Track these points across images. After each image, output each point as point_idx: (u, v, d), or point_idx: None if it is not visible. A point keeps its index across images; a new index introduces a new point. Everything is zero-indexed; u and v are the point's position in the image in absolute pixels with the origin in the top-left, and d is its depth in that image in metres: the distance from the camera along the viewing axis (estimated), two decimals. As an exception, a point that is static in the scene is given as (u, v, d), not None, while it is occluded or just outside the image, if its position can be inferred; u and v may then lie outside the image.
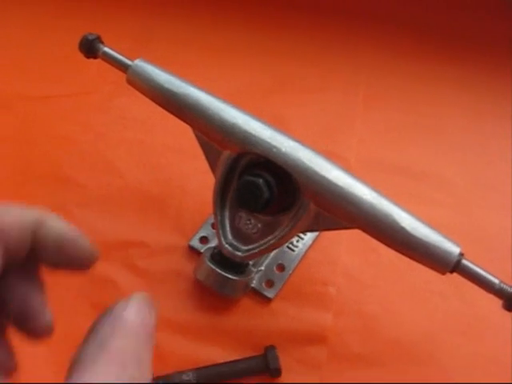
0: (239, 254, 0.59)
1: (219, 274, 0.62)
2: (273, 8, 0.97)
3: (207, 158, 0.59)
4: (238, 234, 0.60)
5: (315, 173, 0.53)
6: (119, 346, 0.29)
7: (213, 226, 0.70)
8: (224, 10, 0.97)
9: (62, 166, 0.77)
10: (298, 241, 0.69)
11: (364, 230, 0.53)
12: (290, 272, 0.67)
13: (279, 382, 0.61)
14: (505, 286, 0.49)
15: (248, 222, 0.59)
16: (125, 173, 0.76)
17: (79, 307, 0.66)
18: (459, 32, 0.93)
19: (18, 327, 0.34)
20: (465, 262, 0.50)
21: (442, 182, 0.77)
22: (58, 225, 0.34)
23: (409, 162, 0.79)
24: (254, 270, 0.66)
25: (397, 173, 0.77)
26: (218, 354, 0.62)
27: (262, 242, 0.58)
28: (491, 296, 0.50)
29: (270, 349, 0.61)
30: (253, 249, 0.59)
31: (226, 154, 0.57)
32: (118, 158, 0.78)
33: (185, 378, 0.60)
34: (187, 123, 0.59)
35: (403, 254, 0.52)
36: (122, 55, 0.62)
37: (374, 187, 0.53)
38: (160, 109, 0.60)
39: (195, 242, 0.70)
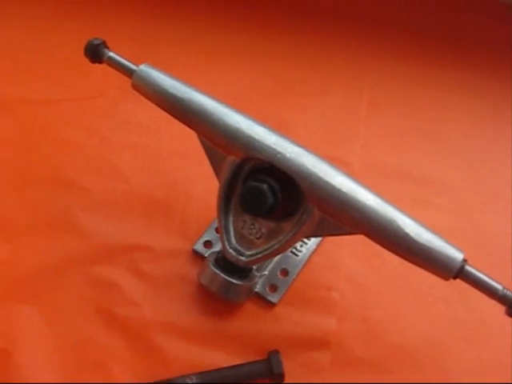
0: (243, 258, 0.60)
1: (223, 278, 0.62)
2: (275, 13, 0.97)
3: (212, 163, 0.60)
4: (241, 238, 0.60)
5: (319, 178, 0.53)
6: None
7: (217, 230, 0.70)
8: (226, 14, 0.97)
9: (67, 170, 0.77)
10: (301, 246, 0.69)
11: (368, 236, 0.53)
12: (294, 277, 0.68)
13: (282, 386, 0.61)
14: (508, 293, 0.49)
15: (252, 227, 0.59)
16: (130, 177, 0.77)
17: (83, 310, 0.66)
18: (461, 37, 0.93)
19: None
20: (468, 268, 0.50)
21: (443, 187, 0.77)
22: None
23: (411, 166, 0.79)
24: (258, 274, 0.66)
25: (399, 178, 0.78)
26: (221, 359, 0.62)
27: (265, 246, 0.59)
28: (494, 302, 0.50)
29: (273, 353, 0.61)
30: (256, 254, 0.59)
31: (231, 160, 0.57)
32: (123, 163, 0.78)
33: (188, 381, 0.60)
34: (192, 128, 0.59)
35: (407, 259, 0.52)
36: (127, 60, 0.62)
37: (378, 193, 0.53)
38: (165, 114, 0.60)
39: (199, 247, 0.70)
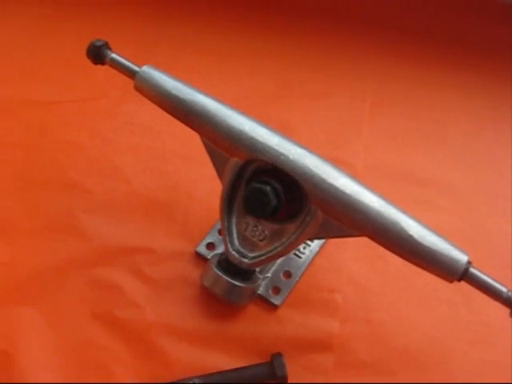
0: (246, 260, 0.59)
1: (226, 280, 0.62)
2: (277, 14, 0.97)
3: (214, 164, 0.59)
4: (244, 240, 0.60)
5: (323, 180, 0.53)
6: None
7: (220, 232, 0.70)
8: (227, 15, 0.97)
9: (69, 172, 0.77)
10: (304, 248, 0.69)
11: (371, 238, 0.53)
12: (297, 279, 0.67)
13: (286, 389, 0.61)
14: (512, 295, 0.49)
15: (255, 229, 0.59)
16: (132, 179, 0.76)
17: (84, 312, 0.66)
18: (462, 38, 0.93)
19: None
20: (472, 270, 0.50)
21: (445, 188, 0.77)
22: None
23: (413, 167, 0.79)
24: (261, 276, 0.66)
25: (402, 179, 0.77)
26: (224, 361, 0.62)
27: (268, 249, 0.58)
28: (498, 304, 0.50)
29: (276, 356, 0.61)
30: (260, 256, 0.59)
31: (234, 161, 0.57)
32: (125, 164, 0.78)
33: (190, 384, 0.60)
34: (194, 130, 0.59)
35: (411, 261, 0.52)
36: (130, 61, 0.62)
37: (381, 194, 0.53)
38: (167, 115, 0.60)
39: (202, 249, 0.70)
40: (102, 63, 0.64)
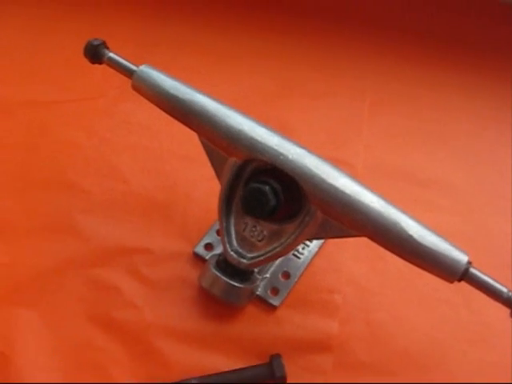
0: (244, 261, 0.59)
1: (224, 281, 0.61)
2: (277, 14, 0.97)
3: (213, 164, 0.59)
4: (243, 241, 0.59)
5: (322, 180, 0.52)
6: None
7: (218, 232, 0.70)
8: (227, 15, 0.97)
9: (67, 172, 0.77)
10: (303, 248, 0.69)
11: (371, 238, 0.52)
12: (296, 280, 0.67)
13: (285, 390, 0.61)
14: (513, 295, 0.49)
15: (254, 229, 0.59)
16: (129, 178, 0.76)
17: (82, 313, 0.65)
18: (462, 38, 0.93)
19: None
20: (473, 270, 0.50)
21: (447, 188, 0.76)
22: None
23: (413, 167, 0.78)
24: (259, 277, 0.65)
25: (403, 179, 0.77)
26: (222, 363, 0.62)
27: (267, 249, 0.58)
28: (498, 304, 0.49)
29: (275, 357, 0.61)
30: (258, 256, 0.59)
31: (232, 161, 0.57)
32: (123, 164, 0.77)
33: (189, 386, 0.60)
34: (193, 129, 0.59)
35: (411, 262, 0.51)
36: (128, 61, 0.62)
37: (381, 194, 0.53)
38: (165, 114, 0.60)
39: (200, 249, 0.69)
40: (100, 62, 0.64)
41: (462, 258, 0.50)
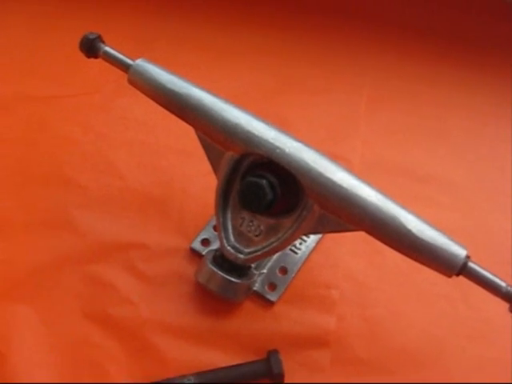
0: (241, 256, 0.59)
1: (221, 276, 0.61)
2: (277, 9, 0.97)
3: (209, 159, 0.59)
4: (240, 236, 0.59)
5: (320, 174, 0.52)
6: None
7: (215, 228, 0.69)
8: (226, 10, 0.96)
9: (63, 167, 0.76)
10: (300, 243, 0.69)
11: (369, 233, 0.52)
12: (293, 275, 0.67)
13: (282, 386, 0.60)
14: (511, 290, 0.48)
15: (251, 224, 0.58)
16: (126, 174, 0.76)
17: (79, 309, 0.65)
18: (462, 34, 0.93)
19: None
20: (471, 264, 0.50)
21: (447, 185, 0.76)
22: None
23: (413, 164, 0.78)
24: (257, 272, 0.65)
25: (401, 175, 0.77)
26: (219, 358, 0.62)
27: (264, 244, 0.58)
28: (497, 299, 0.49)
29: (272, 353, 0.61)
30: (255, 251, 0.58)
31: (229, 155, 0.56)
32: (119, 159, 0.77)
33: (186, 382, 0.59)
34: (189, 124, 0.58)
35: (409, 256, 0.51)
36: (123, 55, 0.62)
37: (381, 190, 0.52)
38: (162, 109, 0.60)
39: (197, 245, 0.69)
40: (96, 56, 0.63)
41: (461, 252, 0.49)
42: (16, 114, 0.83)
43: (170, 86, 0.58)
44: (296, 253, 0.68)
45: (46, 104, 0.83)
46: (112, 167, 0.76)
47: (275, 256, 0.67)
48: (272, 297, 0.65)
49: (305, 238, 0.69)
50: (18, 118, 0.82)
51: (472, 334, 0.63)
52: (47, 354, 0.62)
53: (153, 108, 0.60)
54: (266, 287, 0.66)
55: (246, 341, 0.63)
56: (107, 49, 0.62)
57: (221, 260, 0.61)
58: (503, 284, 0.49)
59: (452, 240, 0.50)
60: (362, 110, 0.84)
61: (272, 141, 0.54)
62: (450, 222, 0.68)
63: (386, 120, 0.83)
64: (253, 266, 0.64)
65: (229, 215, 0.59)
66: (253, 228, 0.58)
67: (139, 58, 0.61)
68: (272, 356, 0.60)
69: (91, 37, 0.62)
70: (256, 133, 0.54)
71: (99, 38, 0.63)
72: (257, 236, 0.58)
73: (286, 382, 0.60)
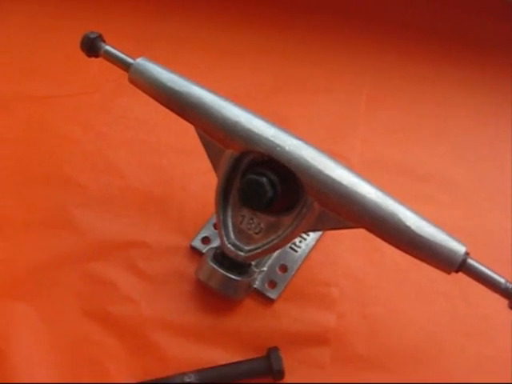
0: (242, 254, 0.59)
1: (221, 274, 0.61)
2: (277, 9, 0.97)
3: (210, 157, 0.59)
4: (240, 233, 0.59)
5: (319, 171, 0.52)
6: None
7: (215, 226, 0.70)
8: (227, 10, 0.97)
9: (63, 167, 0.76)
10: (300, 241, 0.69)
11: (368, 230, 0.52)
12: (293, 273, 0.67)
13: (282, 383, 0.60)
14: (511, 286, 0.49)
15: (251, 222, 0.58)
16: (126, 173, 0.76)
17: (79, 308, 0.65)
18: (463, 34, 0.93)
19: None
20: (470, 261, 0.50)
21: (447, 184, 0.76)
22: None
23: (412, 162, 0.78)
24: (257, 270, 0.65)
25: (400, 173, 0.77)
26: (220, 356, 0.62)
27: (264, 241, 0.58)
28: (496, 296, 0.49)
29: (273, 350, 0.61)
30: (255, 249, 0.58)
31: (229, 153, 0.56)
32: (120, 158, 0.77)
33: (186, 379, 0.59)
34: (190, 122, 0.58)
35: (408, 253, 0.51)
36: (124, 54, 0.62)
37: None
38: (162, 108, 0.60)
39: (197, 243, 0.69)
40: (96, 56, 0.63)
41: (460, 248, 0.50)
42: (16, 114, 0.83)
43: (170, 84, 0.58)
44: (296, 251, 0.68)
45: (46, 104, 0.83)
46: (112, 166, 0.76)
47: (275, 254, 0.67)
48: (272, 294, 0.65)
49: (305, 236, 0.69)
50: (17, 118, 0.82)
51: (471, 332, 0.63)
52: (47, 352, 0.62)
53: (153, 107, 0.60)
54: (266, 285, 0.66)
55: (247, 338, 0.63)
56: (108, 48, 0.62)
57: (221, 258, 0.61)
58: (502, 280, 0.49)
59: (451, 237, 0.50)
60: (362, 109, 0.84)
61: (272, 139, 0.54)
62: (450, 221, 0.68)
63: (385, 119, 0.83)
64: (253, 263, 0.64)
65: (229, 213, 0.59)
66: (253, 226, 0.58)
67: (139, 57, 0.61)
68: (272, 353, 0.60)
69: (92, 36, 0.62)
70: (256, 131, 0.54)
71: (100, 38, 0.63)
72: (257, 233, 0.58)
73: (286, 379, 0.60)
